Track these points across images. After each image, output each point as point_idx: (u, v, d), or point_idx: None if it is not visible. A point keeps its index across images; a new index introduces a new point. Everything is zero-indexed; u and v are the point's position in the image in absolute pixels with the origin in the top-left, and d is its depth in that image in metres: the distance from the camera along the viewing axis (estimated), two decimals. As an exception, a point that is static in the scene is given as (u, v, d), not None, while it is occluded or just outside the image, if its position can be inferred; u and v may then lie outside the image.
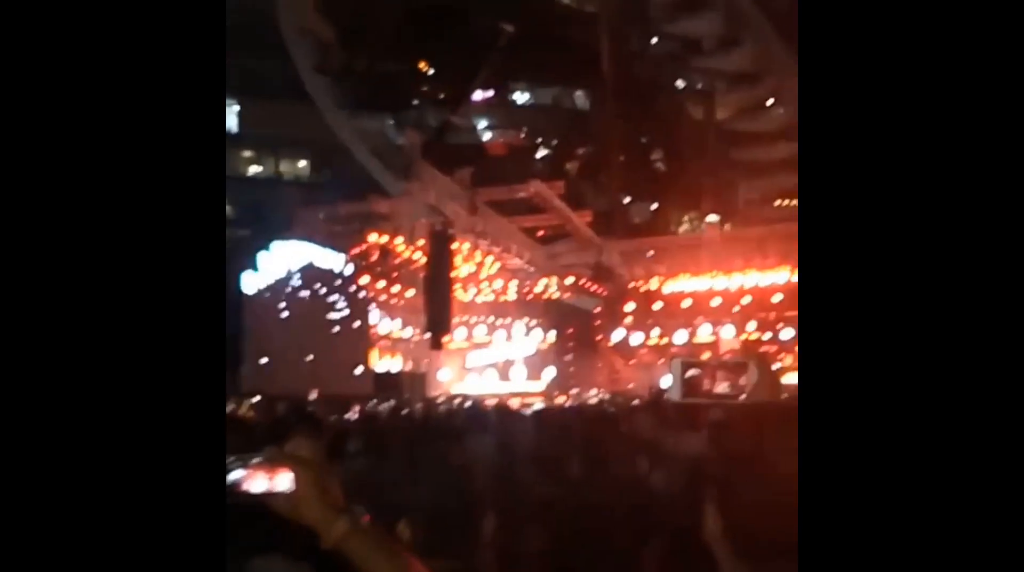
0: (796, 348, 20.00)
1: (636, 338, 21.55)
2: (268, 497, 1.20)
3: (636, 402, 8.93)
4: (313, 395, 11.04)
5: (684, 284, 21.27)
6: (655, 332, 21.38)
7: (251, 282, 16.45)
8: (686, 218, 35.40)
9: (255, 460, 1.25)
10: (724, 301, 20.60)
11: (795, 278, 19.82)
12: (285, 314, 15.99)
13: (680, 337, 21.11)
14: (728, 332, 20.55)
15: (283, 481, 1.20)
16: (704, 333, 20.89)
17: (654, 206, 36.68)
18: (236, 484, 1.25)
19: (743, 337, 20.40)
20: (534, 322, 21.69)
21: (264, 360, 15.38)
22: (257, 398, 10.41)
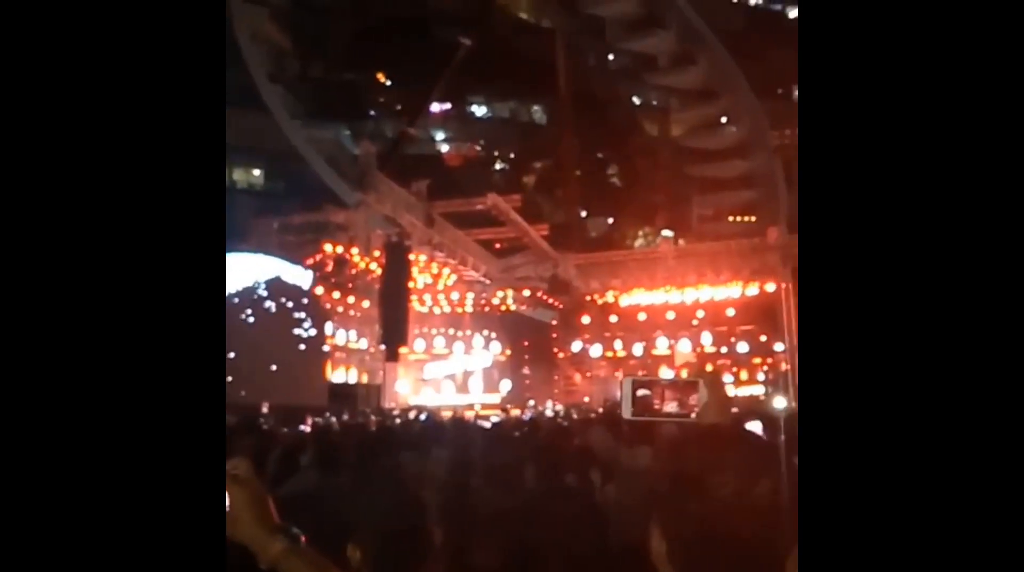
0: (751, 361, 20.37)
1: (593, 351, 21.67)
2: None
3: (592, 415, 8.96)
4: (264, 408, 10.87)
5: (639, 298, 21.48)
6: (612, 345, 21.53)
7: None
8: (641, 233, 35.80)
9: None
10: (678, 315, 20.84)
11: (748, 292, 20.20)
12: (238, 325, 15.75)
13: (636, 350, 21.29)
14: (684, 346, 20.79)
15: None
16: (661, 346, 21.10)
17: (610, 220, 37.03)
18: None
19: (697, 350, 20.66)
20: (491, 334, 21.69)
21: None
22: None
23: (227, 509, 1.19)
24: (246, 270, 16.20)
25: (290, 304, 16.34)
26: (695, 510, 1.39)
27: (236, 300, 15.52)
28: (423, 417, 10.91)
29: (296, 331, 16.33)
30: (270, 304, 16.21)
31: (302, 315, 16.43)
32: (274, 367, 15.15)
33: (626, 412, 1.65)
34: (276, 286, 16.23)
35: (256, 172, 36.45)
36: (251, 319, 15.73)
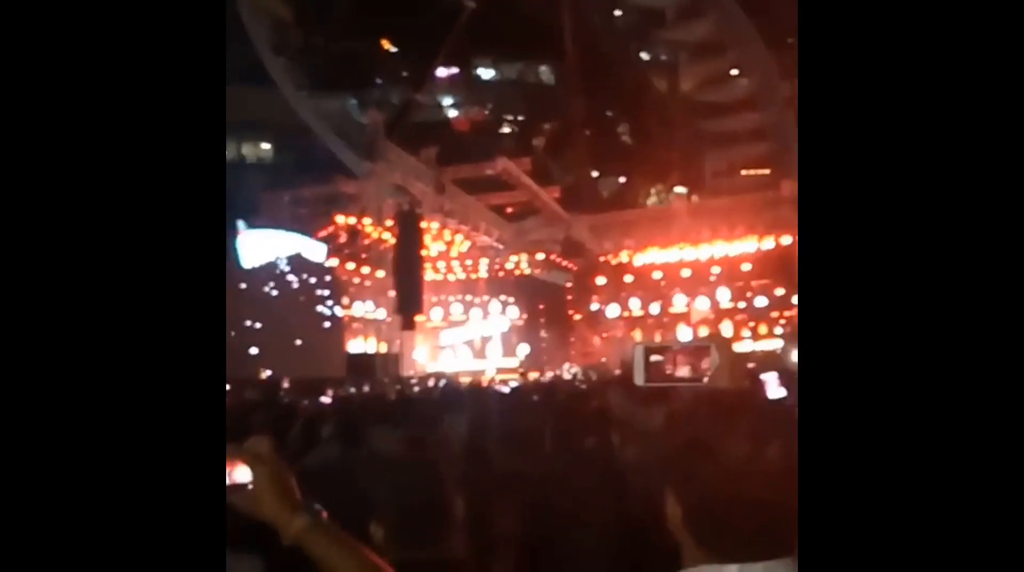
0: (769, 315, 20.29)
1: (610, 311, 21.67)
2: (227, 492, 1.21)
3: (612, 375, 8.98)
4: (285, 383, 10.98)
5: (654, 256, 21.40)
6: (628, 305, 21.52)
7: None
8: (653, 191, 35.54)
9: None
10: (694, 272, 20.76)
11: (764, 246, 20.07)
12: (256, 299, 15.83)
13: (653, 309, 21.27)
14: (701, 303, 20.74)
15: (241, 475, 1.21)
16: (678, 304, 21.06)
17: (621, 180, 36.77)
18: None
19: (714, 307, 20.62)
20: (506, 299, 21.73)
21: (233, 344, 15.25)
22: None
23: (249, 487, 1.21)
24: (262, 246, 16.24)
25: (305, 277, 16.41)
26: (708, 474, 1.40)
27: (254, 275, 15.60)
28: (442, 384, 10.98)
29: (312, 304, 16.42)
30: (286, 278, 16.29)
31: (318, 287, 16.51)
32: (296, 341, 15.26)
33: (639, 379, 1.65)
34: (292, 260, 16.27)
35: (265, 146, 36.41)
36: (270, 293, 15.82)
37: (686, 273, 20.84)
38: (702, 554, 1.33)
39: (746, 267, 20.23)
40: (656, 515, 1.45)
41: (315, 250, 16.64)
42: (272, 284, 16.00)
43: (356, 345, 17.98)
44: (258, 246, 16.10)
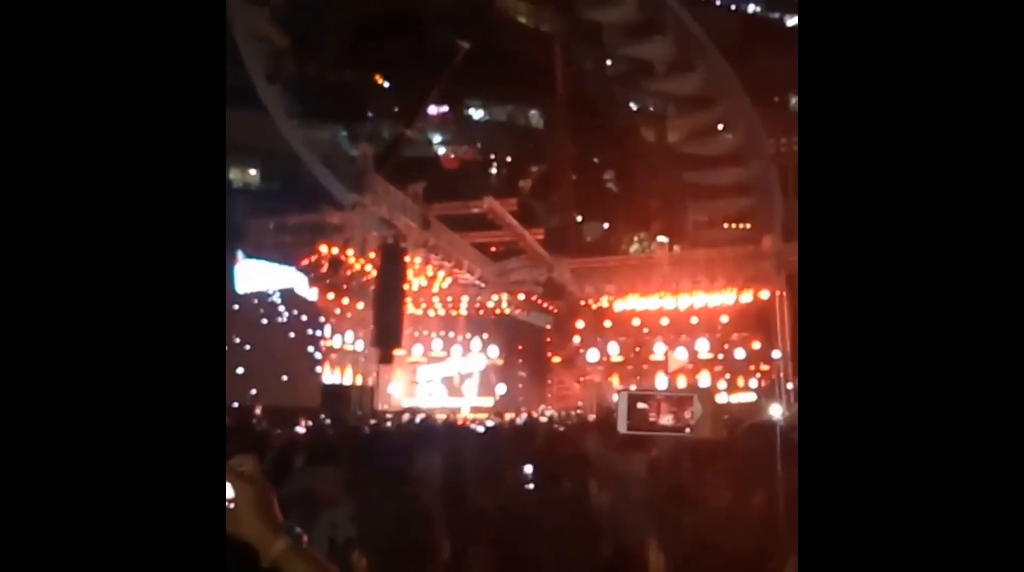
0: (748, 368, 20.38)
1: (588, 356, 21.66)
2: None
3: (588, 418, 8.94)
4: (258, 410, 10.84)
5: (634, 303, 21.48)
6: (606, 350, 21.53)
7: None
8: (636, 238, 35.81)
9: None
10: (673, 321, 20.84)
11: (743, 299, 20.23)
12: (232, 324, 15.67)
13: (631, 356, 21.28)
14: (679, 352, 20.78)
15: (227, 495, 1.20)
16: (656, 352, 21.09)
17: (605, 225, 37.03)
18: None
19: (691, 357, 20.66)
20: (485, 337, 21.67)
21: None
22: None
23: (231, 506, 1.19)
24: (257, 275, 16.17)
25: (286, 305, 16.30)
26: (692, 524, 1.40)
27: (235, 305, 15.48)
28: (418, 420, 10.89)
29: (290, 332, 16.29)
30: (268, 305, 16.18)
31: (296, 316, 16.39)
32: (263, 368, 15.09)
33: (622, 426, 1.66)
34: (281, 291, 16.21)
35: (252, 171, 36.37)
36: (244, 319, 15.68)
37: (665, 321, 20.91)
38: None
39: (725, 319, 20.36)
40: (634, 561, 1.44)
41: (295, 279, 16.59)
42: (256, 310, 15.89)
43: (332, 376, 17.82)
44: (253, 275, 16.03)
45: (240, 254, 15.84)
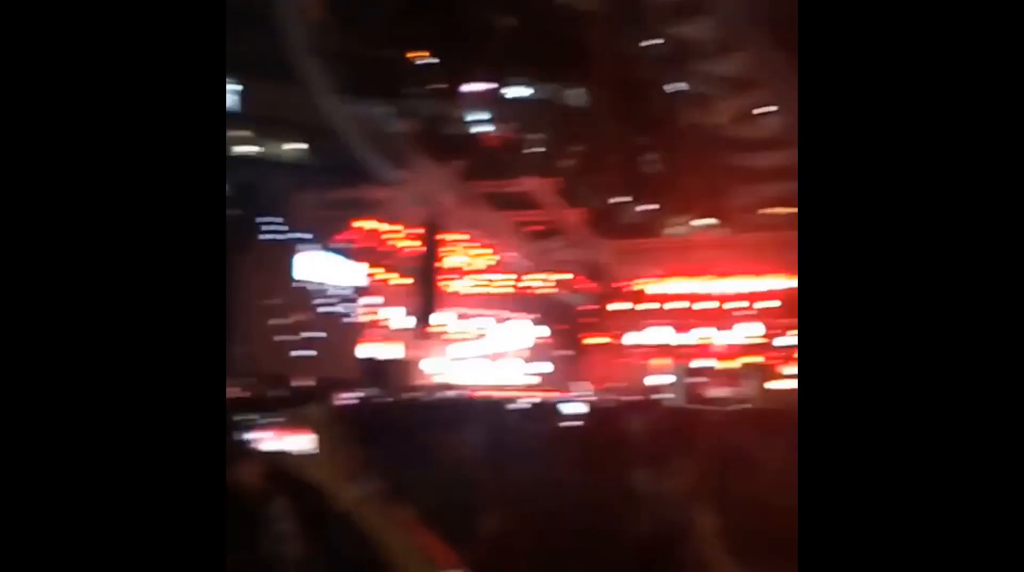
0: (793, 354, 20.13)
1: (629, 338, 21.59)
2: (285, 457, 1.24)
3: (629, 399, 8.91)
4: (296, 382, 11.00)
5: (677, 286, 21.33)
6: (647, 332, 21.44)
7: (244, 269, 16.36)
8: (680, 220, 35.51)
9: (274, 420, 1.27)
10: (714, 305, 20.67)
11: (791, 284, 19.95)
12: (274, 299, 15.90)
13: (672, 338, 21.18)
14: (723, 336, 20.61)
15: (302, 442, 1.23)
16: (698, 335, 20.95)
17: (647, 207, 36.76)
18: (255, 443, 1.28)
19: (734, 341, 20.49)
20: (525, 316, 21.70)
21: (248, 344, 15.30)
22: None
23: (307, 452, 1.22)
24: (315, 264, 16.47)
25: (327, 281, 16.50)
26: (743, 488, 1.42)
27: (275, 278, 15.70)
28: (454, 395, 10.95)
29: (330, 307, 16.47)
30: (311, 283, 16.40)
31: (337, 291, 16.57)
32: (302, 341, 15.31)
33: (680, 399, 1.62)
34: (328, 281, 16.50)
35: (296, 147, 36.73)
36: (286, 294, 15.89)
37: (706, 305, 20.73)
38: (732, 564, 1.33)
39: (767, 305, 20.11)
40: (674, 535, 1.45)
41: (357, 274, 16.86)
42: (289, 286, 16.13)
43: (370, 350, 18.00)
44: (312, 264, 16.37)
45: (302, 244, 16.22)
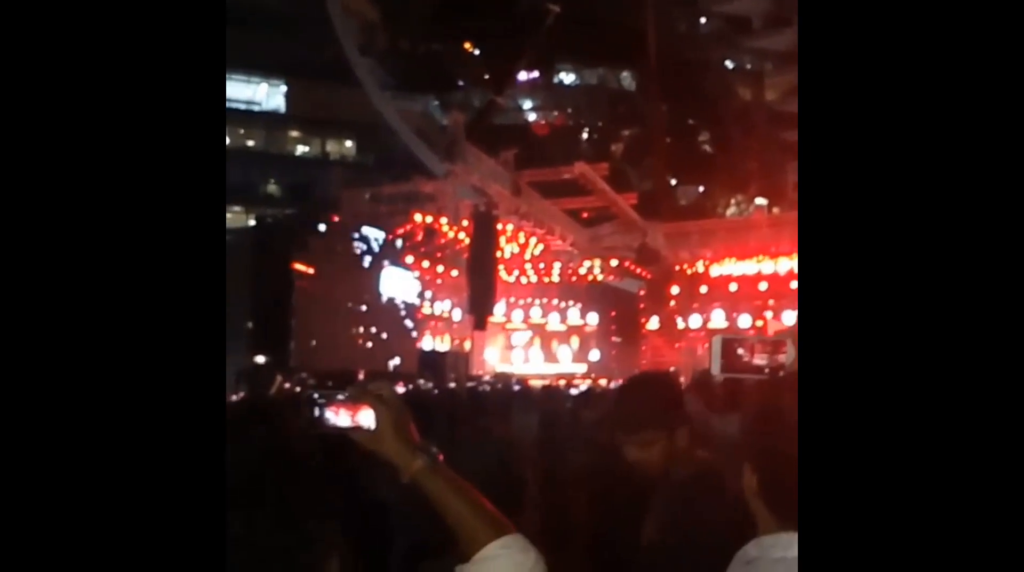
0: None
1: (682, 322, 21.40)
2: (352, 431, 1.32)
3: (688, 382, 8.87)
4: (360, 375, 11.23)
5: (731, 268, 21.03)
6: (702, 316, 21.22)
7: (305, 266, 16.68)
8: (733, 201, 34.94)
9: (340, 397, 1.35)
10: (771, 286, 20.32)
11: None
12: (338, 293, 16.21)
13: (727, 321, 20.91)
14: (778, 318, 20.27)
15: (366, 417, 1.32)
16: (753, 318, 20.64)
17: (700, 188, 36.26)
18: (322, 418, 1.36)
19: (790, 323, 20.13)
20: (578, 304, 21.66)
21: (312, 340, 15.65)
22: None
23: (372, 427, 1.31)
24: (394, 282, 16.83)
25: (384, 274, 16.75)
26: (784, 448, 1.45)
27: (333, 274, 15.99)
28: (514, 386, 11.06)
29: (387, 299, 16.74)
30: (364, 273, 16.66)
31: (394, 286, 16.84)
32: (360, 335, 15.59)
33: (715, 368, 1.68)
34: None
35: (348, 143, 37.18)
36: (344, 289, 16.17)
37: (763, 286, 20.40)
38: (777, 523, 1.38)
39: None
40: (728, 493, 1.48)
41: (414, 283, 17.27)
42: (346, 281, 16.40)
43: (428, 343, 18.24)
44: (395, 282, 16.80)
45: (386, 262, 16.55)
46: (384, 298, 16.53)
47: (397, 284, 17.10)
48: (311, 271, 14.96)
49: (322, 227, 16.32)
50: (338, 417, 1.33)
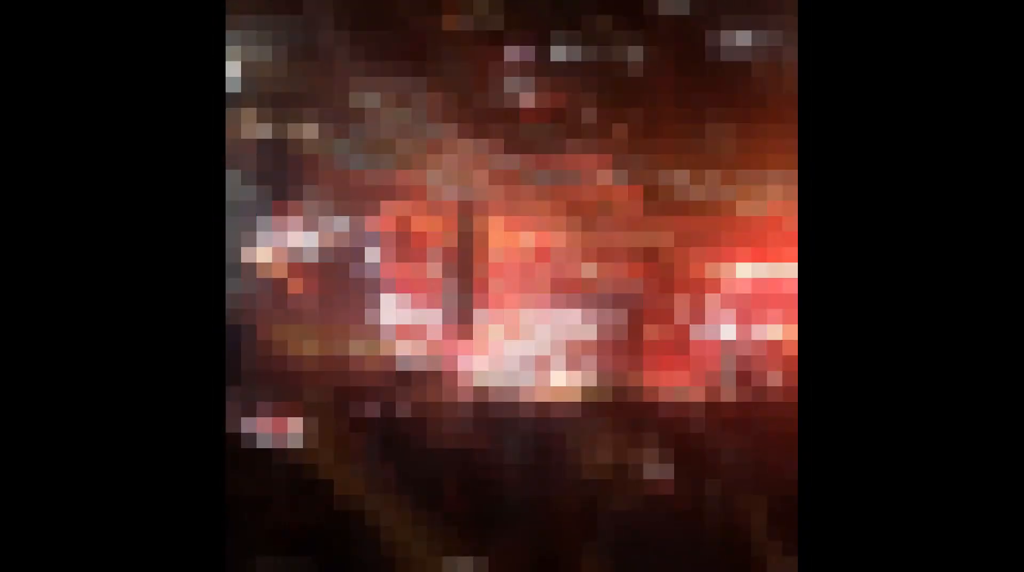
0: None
1: (690, 328, 21.45)
2: (286, 445, 1.25)
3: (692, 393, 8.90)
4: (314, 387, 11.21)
5: (744, 269, 21.11)
6: (711, 321, 21.27)
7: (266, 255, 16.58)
8: (744, 193, 35.10)
9: (271, 406, 1.29)
10: (788, 289, 20.41)
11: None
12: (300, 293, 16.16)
13: (740, 328, 20.97)
14: (790, 330, 20.36)
15: (298, 426, 1.26)
16: (769, 323, 20.70)
17: (712, 179, 36.37)
18: (250, 429, 1.30)
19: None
20: (574, 308, 21.69)
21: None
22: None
23: (307, 439, 1.23)
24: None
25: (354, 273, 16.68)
26: (791, 477, 1.46)
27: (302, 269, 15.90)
28: (500, 396, 11.05)
29: (360, 301, 16.69)
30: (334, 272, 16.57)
31: (368, 284, 16.77)
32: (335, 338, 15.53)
33: (726, 391, 1.68)
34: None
35: (319, 126, 37.07)
36: (314, 288, 16.10)
37: (779, 289, 20.48)
38: (789, 562, 1.38)
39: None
40: (730, 532, 1.49)
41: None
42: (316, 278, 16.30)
43: (404, 348, 18.22)
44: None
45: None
46: None
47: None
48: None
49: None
50: (269, 428, 1.29)
